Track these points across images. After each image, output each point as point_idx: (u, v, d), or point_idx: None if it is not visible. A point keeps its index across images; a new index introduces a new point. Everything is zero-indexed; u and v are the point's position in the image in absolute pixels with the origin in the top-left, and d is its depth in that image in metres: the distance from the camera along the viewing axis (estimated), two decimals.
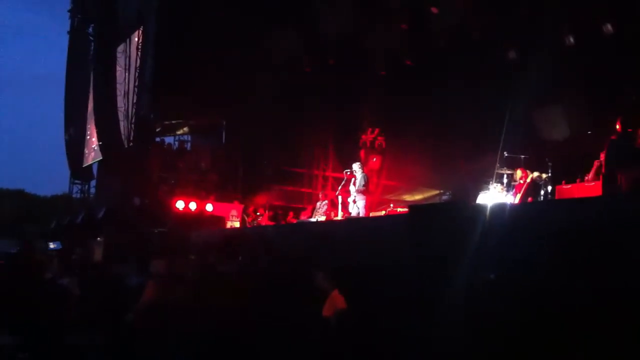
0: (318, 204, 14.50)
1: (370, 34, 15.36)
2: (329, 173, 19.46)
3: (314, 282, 6.57)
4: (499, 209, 6.14)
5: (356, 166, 12.67)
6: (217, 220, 15.01)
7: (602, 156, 8.36)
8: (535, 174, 10.92)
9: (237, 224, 15.91)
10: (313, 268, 6.69)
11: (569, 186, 11.03)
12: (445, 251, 5.42)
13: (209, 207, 15.85)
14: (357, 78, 17.37)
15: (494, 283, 5.06)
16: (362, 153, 18.89)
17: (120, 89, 17.35)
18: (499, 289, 4.98)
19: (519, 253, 4.96)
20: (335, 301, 6.40)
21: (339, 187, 13.02)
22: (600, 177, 8.37)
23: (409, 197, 19.57)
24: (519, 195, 10.81)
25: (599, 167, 8.69)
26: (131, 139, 16.57)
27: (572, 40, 13.43)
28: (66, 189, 27.51)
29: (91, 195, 24.83)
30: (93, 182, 24.68)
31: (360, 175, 12.45)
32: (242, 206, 16.73)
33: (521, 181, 11.00)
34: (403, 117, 17.50)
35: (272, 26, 15.34)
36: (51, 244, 13.21)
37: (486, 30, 14.32)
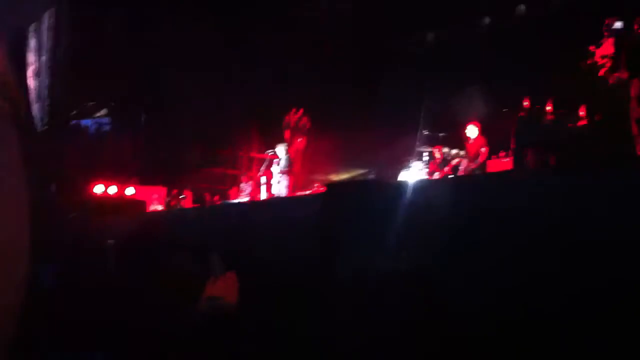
0: (242, 185, 14.38)
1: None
2: (254, 154, 19.26)
3: (208, 265, 6.36)
4: (413, 185, 6.22)
5: (280, 147, 12.63)
6: (138, 204, 14.60)
7: (513, 133, 8.64)
8: (445, 150, 11.22)
9: (159, 208, 15.56)
10: (208, 250, 6.48)
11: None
12: (360, 226, 5.44)
13: (130, 191, 15.40)
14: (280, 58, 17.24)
15: (404, 260, 5.11)
16: (286, 133, 18.80)
17: (31, 71, 16.57)
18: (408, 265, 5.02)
19: (431, 227, 5.02)
20: (228, 282, 6.20)
21: (262, 168, 12.95)
22: (511, 152, 8.66)
23: (335, 177, 19.67)
24: (436, 173, 11.06)
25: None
26: (45, 122, 15.88)
27: (487, 20, 13.79)
28: None
29: None
30: None
31: (284, 157, 12.42)
32: (165, 189, 16.37)
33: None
34: (327, 97, 17.49)
35: (190, 6, 15.02)
36: None
37: (404, 10, 14.48)
